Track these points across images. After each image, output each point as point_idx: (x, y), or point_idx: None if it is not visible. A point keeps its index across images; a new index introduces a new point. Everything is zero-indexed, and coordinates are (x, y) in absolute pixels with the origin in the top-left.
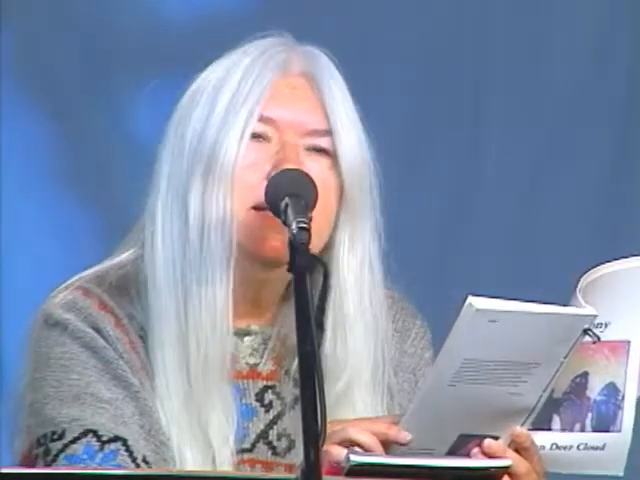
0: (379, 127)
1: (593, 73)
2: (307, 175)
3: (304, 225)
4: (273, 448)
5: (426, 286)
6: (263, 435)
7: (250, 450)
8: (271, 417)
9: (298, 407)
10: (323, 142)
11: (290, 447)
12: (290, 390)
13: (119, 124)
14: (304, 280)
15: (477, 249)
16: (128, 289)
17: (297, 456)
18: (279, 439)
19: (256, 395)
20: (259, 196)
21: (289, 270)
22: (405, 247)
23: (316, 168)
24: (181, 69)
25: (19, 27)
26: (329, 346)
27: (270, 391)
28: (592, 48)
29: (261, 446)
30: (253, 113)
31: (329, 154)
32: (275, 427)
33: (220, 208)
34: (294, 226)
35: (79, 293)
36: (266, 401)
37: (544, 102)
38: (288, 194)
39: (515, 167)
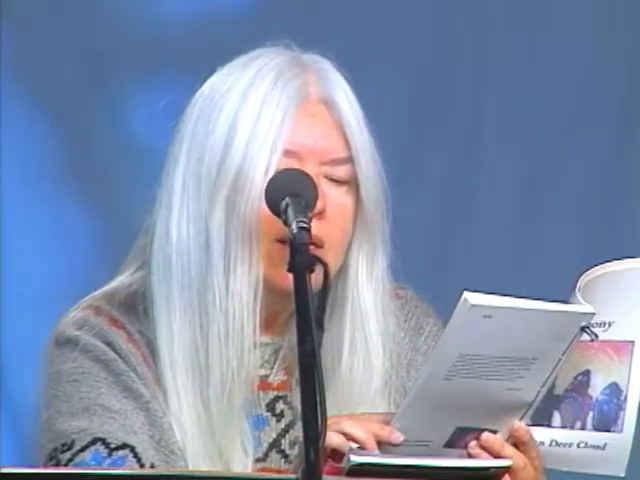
0: (378, 126)
1: (593, 73)
2: (307, 175)
3: (304, 225)
4: (286, 456)
5: (424, 286)
6: (276, 444)
7: (263, 460)
8: (283, 426)
9: None
10: (342, 172)
11: None
12: None
13: (119, 124)
14: (304, 280)
15: (476, 249)
16: (136, 306)
17: None
18: (292, 447)
19: (267, 405)
20: (284, 228)
21: (289, 270)
22: (403, 246)
23: (334, 195)
24: (181, 69)
25: (19, 27)
26: (347, 370)
27: (281, 401)
28: (592, 48)
29: (274, 455)
30: (277, 146)
31: (347, 181)
32: (287, 435)
33: (246, 241)
34: (294, 226)
35: (89, 311)
36: (277, 411)
37: (544, 102)
38: (288, 194)
39: (514, 167)
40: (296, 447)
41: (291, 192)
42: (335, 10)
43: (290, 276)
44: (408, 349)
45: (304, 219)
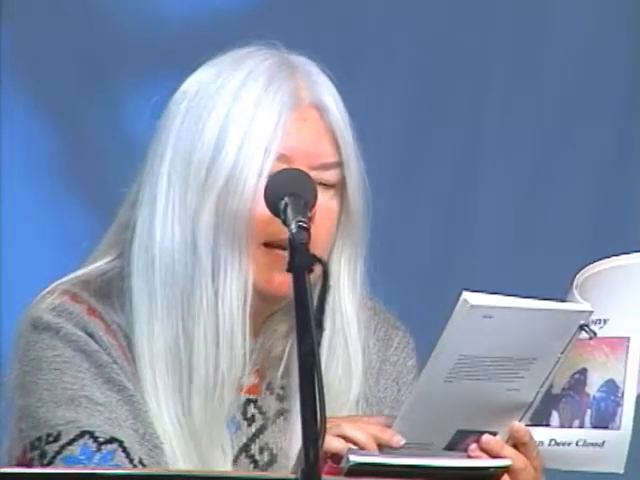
0: (379, 127)
1: (593, 73)
2: (306, 175)
3: (303, 225)
4: (255, 462)
5: (425, 287)
6: (245, 449)
7: (233, 463)
8: (253, 430)
9: (280, 421)
10: (331, 176)
11: (272, 461)
12: (272, 404)
13: (119, 124)
14: (303, 279)
15: (476, 249)
16: (111, 298)
17: (279, 470)
18: (261, 453)
19: (239, 408)
20: (271, 232)
21: (289, 270)
22: (404, 247)
23: (322, 199)
24: (181, 69)
25: (19, 27)
26: (328, 378)
27: (252, 405)
28: (592, 48)
29: (243, 459)
30: (270, 150)
31: (335, 185)
32: (257, 441)
33: (236, 245)
34: (293, 226)
35: (67, 297)
36: (248, 415)
37: (544, 102)
38: (287, 194)
39: (515, 167)
40: (265, 453)
41: (290, 192)
42: (335, 10)
43: (276, 281)
44: (377, 359)
45: (303, 219)
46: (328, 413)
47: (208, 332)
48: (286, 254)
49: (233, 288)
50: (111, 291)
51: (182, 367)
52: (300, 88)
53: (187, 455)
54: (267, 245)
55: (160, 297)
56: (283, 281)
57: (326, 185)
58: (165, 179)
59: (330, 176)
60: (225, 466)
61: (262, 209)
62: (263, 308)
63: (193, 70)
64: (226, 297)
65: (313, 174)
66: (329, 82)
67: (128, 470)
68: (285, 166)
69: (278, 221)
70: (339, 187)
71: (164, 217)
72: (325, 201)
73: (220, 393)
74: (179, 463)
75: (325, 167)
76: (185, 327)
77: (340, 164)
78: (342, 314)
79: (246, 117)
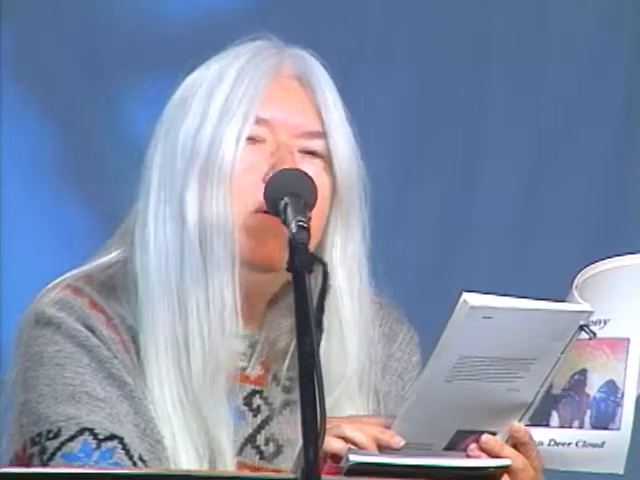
0: (378, 127)
1: (592, 73)
2: (306, 174)
3: (303, 224)
4: (260, 452)
5: (424, 287)
6: (251, 439)
7: (238, 454)
8: (259, 422)
9: (286, 412)
10: (316, 145)
11: (278, 452)
12: (278, 395)
13: (119, 123)
14: (303, 279)
15: (476, 249)
16: (115, 291)
17: (284, 461)
18: (267, 444)
19: (244, 399)
20: (258, 198)
21: (288, 270)
22: (403, 247)
23: (311, 170)
24: (180, 68)
25: (19, 27)
26: (323, 355)
27: (258, 396)
28: (591, 48)
29: (249, 450)
30: (249, 115)
31: (322, 156)
32: (263, 432)
33: (220, 212)
34: (293, 225)
35: (69, 292)
36: (254, 405)
37: (544, 102)
38: (287, 193)
39: (514, 167)
40: (270, 444)
41: (290, 191)
42: (335, 10)
43: (269, 247)
44: (382, 354)
45: (303, 219)
46: (327, 394)
47: (200, 301)
48: (278, 219)
49: (220, 255)
50: (115, 283)
51: (180, 345)
52: (284, 62)
53: (189, 439)
54: (257, 211)
55: (157, 279)
56: (275, 249)
57: (313, 154)
58: (158, 165)
59: (316, 146)
60: (228, 444)
61: (242, 174)
62: (259, 290)
63: (193, 70)
64: (213, 263)
65: (298, 143)
66: (317, 62)
67: (128, 470)
68: (267, 132)
69: (261, 188)
70: (328, 160)
71: (157, 199)
72: (315, 174)
73: (216, 357)
74: (180, 455)
75: (309, 135)
76: (180, 301)
77: (324, 135)
78: (335, 291)
79: (227, 89)
